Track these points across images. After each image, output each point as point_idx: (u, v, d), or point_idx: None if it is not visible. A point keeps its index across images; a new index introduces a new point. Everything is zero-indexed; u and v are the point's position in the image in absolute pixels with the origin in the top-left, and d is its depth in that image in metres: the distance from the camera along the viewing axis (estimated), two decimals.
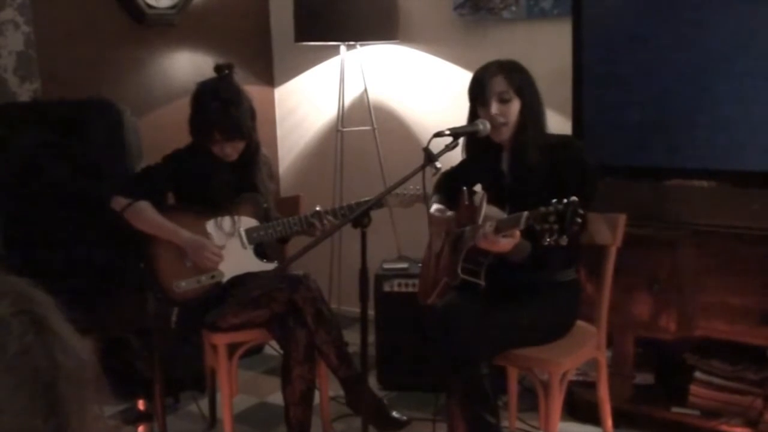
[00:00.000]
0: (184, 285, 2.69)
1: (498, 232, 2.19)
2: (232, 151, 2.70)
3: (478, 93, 2.43)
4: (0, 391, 0.67)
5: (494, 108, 2.39)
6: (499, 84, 2.40)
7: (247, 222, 2.76)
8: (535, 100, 2.44)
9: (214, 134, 2.65)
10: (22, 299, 0.73)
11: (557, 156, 2.40)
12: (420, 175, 2.26)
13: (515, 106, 2.40)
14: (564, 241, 2.03)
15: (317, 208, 2.71)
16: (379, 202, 2.36)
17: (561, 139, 2.51)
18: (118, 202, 2.68)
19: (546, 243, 2.05)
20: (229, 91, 2.68)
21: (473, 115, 2.47)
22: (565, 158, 2.40)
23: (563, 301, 2.50)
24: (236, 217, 2.74)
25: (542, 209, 2.05)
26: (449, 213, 2.58)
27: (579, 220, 1.99)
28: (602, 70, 2.96)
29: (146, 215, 2.67)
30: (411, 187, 2.65)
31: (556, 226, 2.01)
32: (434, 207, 2.65)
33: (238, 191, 2.78)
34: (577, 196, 2.03)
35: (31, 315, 0.72)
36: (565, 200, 2.01)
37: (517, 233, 2.19)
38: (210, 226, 2.73)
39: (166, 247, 2.69)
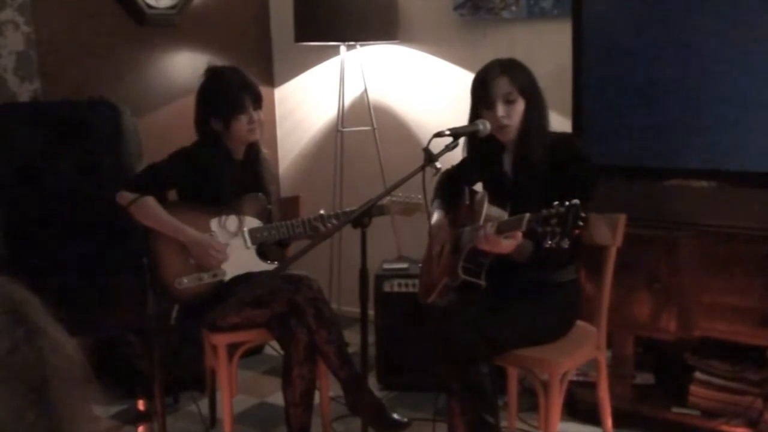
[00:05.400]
0: (186, 282, 2.69)
1: (500, 233, 2.19)
2: (258, 121, 2.73)
3: (481, 95, 2.41)
4: None
5: (500, 110, 2.38)
6: (503, 86, 2.38)
7: (251, 222, 2.77)
8: (538, 99, 2.43)
9: (245, 102, 2.68)
10: (9, 298, 0.73)
11: (558, 154, 2.40)
12: (420, 176, 2.26)
13: (520, 106, 2.40)
14: (566, 243, 2.02)
15: (321, 212, 2.72)
16: (380, 209, 2.37)
17: (561, 136, 2.50)
18: (124, 197, 2.67)
19: (548, 245, 2.05)
20: (236, 68, 2.81)
21: (474, 116, 2.46)
22: (566, 156, 2.40)
23: (563, 301, 2.50)
24: (241, 217, 2.75)
25: (544, 212, 2.05)
26: (452, 230, 2.58)
27: (581, 223, 1.98)
28: (602, 70, 2.96)
29: (152, 211, 2.67)
30: (413, 195, 2.66)
31: (558, 229, 2.01)
32: (435, 216, 2.63)
33: (244, 190, 2.79)
34: (577, 194, 2.03)
35: (18, 314, 0.72)
36: (567, 203, 2.01)
37: (519, 234, 2.19)
38: (214, 224, 2.73)
39: (169, 244, 2.69)
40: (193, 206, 2.74)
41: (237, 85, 2.71)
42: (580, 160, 2.39)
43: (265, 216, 2.80)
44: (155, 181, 2.72)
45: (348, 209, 2.75)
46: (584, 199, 2.03)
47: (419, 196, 2.62)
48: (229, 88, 2.70)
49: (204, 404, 3.11)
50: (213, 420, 3.09)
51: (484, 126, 2.38)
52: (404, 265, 3.36)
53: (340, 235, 3.67)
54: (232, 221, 2.74)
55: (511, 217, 2.28)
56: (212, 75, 2.76)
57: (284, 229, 2.74)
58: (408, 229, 3.67)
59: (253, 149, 2.81)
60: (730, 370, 2.81)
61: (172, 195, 2.83)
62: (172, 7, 3.68)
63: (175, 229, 2.67)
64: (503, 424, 2.47)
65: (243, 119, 2.69)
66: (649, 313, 2.82)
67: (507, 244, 2.20)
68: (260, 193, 2.82)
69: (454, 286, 2.45)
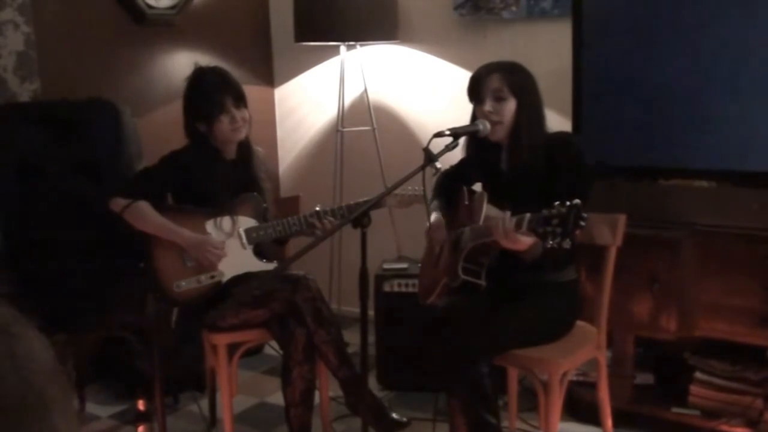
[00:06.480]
0: (184, 285, 2.69)
1: (518, 228, 2.16)
2: (241, 120, 2.71)
3: (474, 90, 2.43)
4: None
5: (488, 105, 2.39)
6: (494, 81, 2.39)
7: (247, 222, 2.76)
8: (533, 101, 2.43)
9: (225, 103, 2.67)
10: None
11: (555, 153, 2.39)
12: (420, 175, 2.26)
13: (510, 105, 2.40)
14: (567, 244, 2.01)
15: (317, 208, 2.72)
16: (378, 203, 2.36)
17: (558, 136, 2.50)
18: (117, 203, 2.68)
19: (549, 245, 2.04)
20: (217, 69, 2.80)
21: (475, 116, 2.47)
22: (562, 155, 2.39)
23: (563, 301, 2.50)
24: (235, 217, 2.74)
25: (545, 212, 2.04)
26: (451, 231, 2.57)
27: (582, 223, 1.98)
28: (602, 70, 2.96)
29: (146, 215, 2.67)
30: (410, 187, 2.65)
31: (559, 230, 2.00)
32: (434, 217, 2.63)
33: (237, 191, 2.79)
34: (571, 193, 2.02)
35: None
36: (568, 203, 2.00)
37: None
38: (209, 226, 2.73)
39: (166, 247, 2.69)
40: (188, 209, 2.74)
41: (216, 86, 2.70)
42: (576, 164, 2.38)
43: (260, 215, 2.80)
44: (147, 185, 2.72)
45: (345, 204, 2.75)
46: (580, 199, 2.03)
47: (416, 188, 2.62)
48: (207, 90, 2.70)
49: (204, 404, 3.11)
50: (213, 420, 3.09)
51: (484, 126, 2.39)
52: (404, 265, 3.36)
53: (340, 235, 3.67)
54: (227, 222, 2.73)
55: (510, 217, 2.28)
56: (194, 78, 2.75)
57: (280, 227, 2.74)
58: (408, 229, 3.67)
59: (244, 148, 2.81)
60: (730, 370, 2.81)
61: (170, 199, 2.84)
62: (172, 7, 3.68)
63: (170, 231, 2.67)
64: (503, 424, 2.47)
65: (224, 120, 2.69)
66: (649, 313, 2.82)
67: (525, 241, 2.18)
68: (255, 193, 2.82)
69: (454, 286, 2.45)
